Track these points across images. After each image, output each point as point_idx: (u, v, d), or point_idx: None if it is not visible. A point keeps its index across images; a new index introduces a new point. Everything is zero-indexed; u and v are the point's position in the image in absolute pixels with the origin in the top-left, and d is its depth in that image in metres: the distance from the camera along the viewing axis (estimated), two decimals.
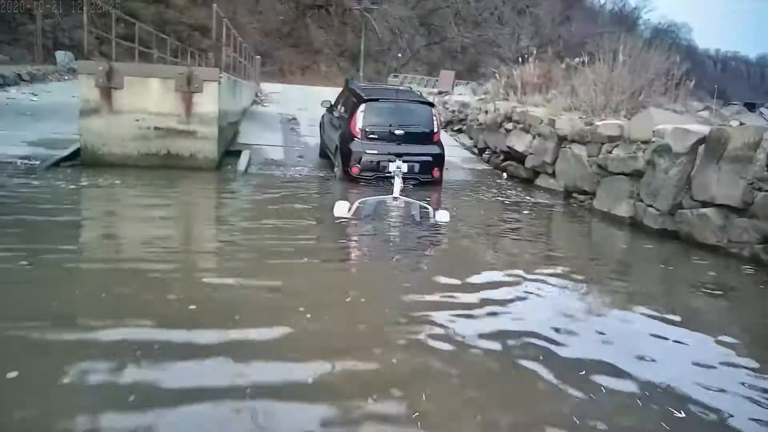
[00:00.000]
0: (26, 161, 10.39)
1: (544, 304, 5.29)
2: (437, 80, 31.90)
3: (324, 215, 8.13)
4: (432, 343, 4.23)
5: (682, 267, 7.05)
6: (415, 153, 11.04)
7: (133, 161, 11.18)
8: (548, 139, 11.50)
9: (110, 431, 3.03)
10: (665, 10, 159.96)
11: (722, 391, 3.89)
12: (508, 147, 13.01)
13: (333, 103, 13.03)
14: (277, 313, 4.56)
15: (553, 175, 11.43)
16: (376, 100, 11.34)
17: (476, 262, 6.65)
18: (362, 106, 11.08)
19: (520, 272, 6.12)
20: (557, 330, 4.64)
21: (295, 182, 10.86)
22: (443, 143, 11.69)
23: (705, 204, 7.39)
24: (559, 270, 6.43)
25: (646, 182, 8.40)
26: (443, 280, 5.73)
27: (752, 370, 4.25)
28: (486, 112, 15.15)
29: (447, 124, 18.23)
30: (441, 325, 4.54)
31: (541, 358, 4.14)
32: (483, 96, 18.17)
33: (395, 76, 44.67)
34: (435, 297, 5.21)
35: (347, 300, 4.98)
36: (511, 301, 5.28)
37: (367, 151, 10.87)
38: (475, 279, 5.84)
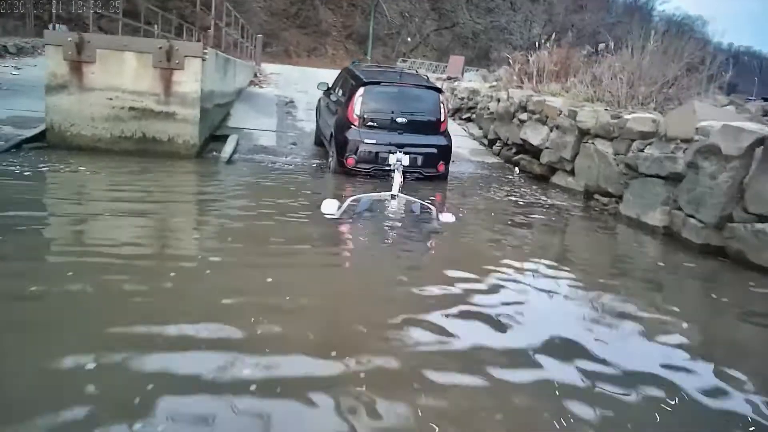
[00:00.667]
0: None
1: (568, 345, 4.03)
2: (446, 66, 30.52)
3: (310, 226, 6.84)
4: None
5: (734, 293, 5.77)
6: (418, 144, 9.78)
7: (105, 145, 9.98)
8: (568, 132, 10.20)
9: None
10: (680, 1, 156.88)
11: None
12: (522, 139, 11.71)
13: (330, 85, 11.73)
14: None
15: (571, 173, 10.15)
16: (377, 83, 10.04)
17: (483, 273, 5.39)
18: (361, 90, 9.80)
19: (536, 293, 4.89)
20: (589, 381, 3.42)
21: (283, 174, 9.61)
22: (450, 134, 10.39)
23: (762, 218, 6.10)
24: (582, 293, 5.20)
25: (687, 188, 7.11)
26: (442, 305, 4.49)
27: None
28: (498, 100, 13.83)
29: (455, 112, 16.92)
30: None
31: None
32: (494, 83, 16.83)
33: (404, 61, 43.21)
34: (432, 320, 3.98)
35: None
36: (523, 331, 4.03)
37: (365, 141, 9.61)
38: (482, 301, 4.61)
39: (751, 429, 3.22)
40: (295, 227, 6.49)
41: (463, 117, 16.50)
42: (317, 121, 12.25)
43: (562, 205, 9.09)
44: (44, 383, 3.02)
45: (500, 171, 11.96)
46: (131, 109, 9.99)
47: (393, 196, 8.27)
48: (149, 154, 9.93)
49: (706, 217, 6.71)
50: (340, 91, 10.81)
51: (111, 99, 9.91)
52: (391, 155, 9.45)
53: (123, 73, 9.89)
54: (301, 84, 18.91)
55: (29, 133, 9.92)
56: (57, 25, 23.96)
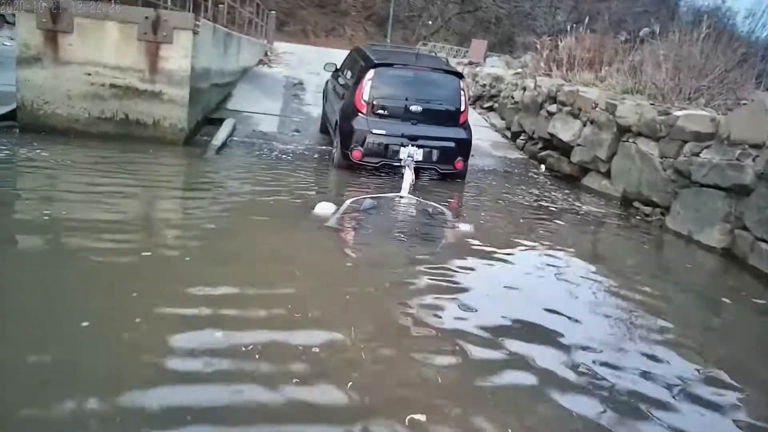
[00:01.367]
0: None
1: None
2: (467, 51, 29.10)
3: (294, 247, 5.63)
4: None
5: None
6: (434, 136, 8.53)
7: (82, 126, 8.80)
8: (604, 128, 8.89)
9: None
10: None
11: None
12: (550, 134, 10.40)
13: (339, 66, 10.46)
14: None
15: (607, 175, 8.85)
16: (389, 65, 8.75)
17: (504, 314, 4.16)
18: (370, 73, 8.52)
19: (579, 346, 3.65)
20: None
21: (279, 167, 8.37)
22: (471, 125, 9.11)
23: None
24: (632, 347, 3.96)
25: (758, 205, 5.81)
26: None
27: None
28: (524, 89, 12.49)
29: (476, 100, 15.60)
30: None
31: None
32: (519, 70, 15.48)
33: (424, 45, 41.69)
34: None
35: None
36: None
37: (374, 131, 8.36)
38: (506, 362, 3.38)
39: None
40: (277, 241, 5.28)
41: (485, 106, 15.17)
42: (323, 106, 10.99)
43: (598, 214, 7.81)
44: None
45: (524, 168, 10.66)
46: (112, 86, 8.79)
47: (401, 197, 7.08)
48: (131, 139, 8.74)
49: None
50: (348, 74, 9.54)
51: (90, 75, 8.71)
52: (402, 149, 8.26)
53: (104, 46, 8.68)
54: (314, 65, 17.50)
55: (1, 110, 8.78)
56: None
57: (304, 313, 3.81)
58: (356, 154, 8.38)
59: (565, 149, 10.01)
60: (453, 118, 8.74)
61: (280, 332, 3.55)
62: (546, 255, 5.77)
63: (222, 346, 3.30)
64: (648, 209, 7.74)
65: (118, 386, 2.83)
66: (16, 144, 7.67)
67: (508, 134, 12.81)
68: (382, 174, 8.35)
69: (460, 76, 9.03)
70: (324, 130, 10.69)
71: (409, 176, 7.61)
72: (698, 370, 3.73)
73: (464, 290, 4.55)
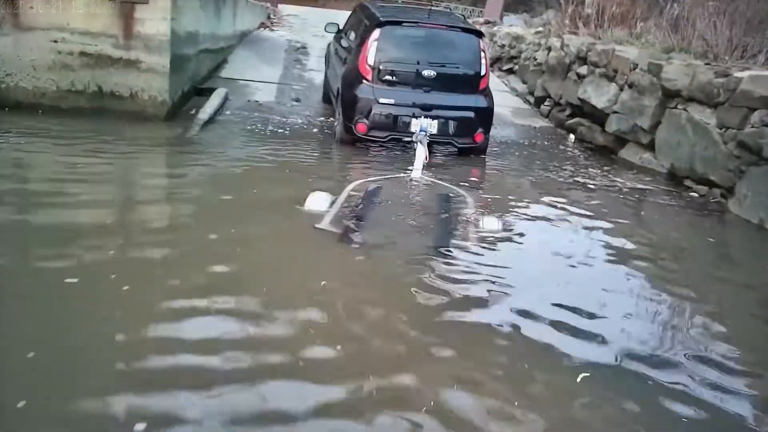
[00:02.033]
0: None
1: None
2: (482, 11, 27.55)
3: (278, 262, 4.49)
4: None
5: None
6: (450, 106, 7.35)
7: (50, 101, 7.65)
8: (646, 93, 7.64)
9: None
10: None
11: None
12: (581, 99, 9.14)
13: (341, 27, 9.20)
14: None
15: (650, 147, 7.62)
16: (398, 24, 7.49)
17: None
18: (375, 33, 7.28)
19: None
20: None
21: (272, 144, 7.19)
22: (492, 92, 7.88)
23: None
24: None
25: None
26: None
27: None
28: (548, 49, 11.17)
29: (494, 62, 14.24)
30: None
31: None
32: (541, 29, 14.08)
33: (435, 5, 39.95)
34: None
35: None
36: None
37: (380, 101, 7.17)
38: None
39: None
40: (252, 257, 4.15)
41: (504, 68, 13.84)
42: (325, 73, 9.75)
43: (645, 192, 6.61)
44: None
45: (552, 139, 9.42)
46: (82, 54, 7.60)
47: (414, 179, 5.94)
48: (107, 114, 7.59)
49: None
50: (352, 35, 8.29)
51: (56, 42, 7.53)
52: (414, 120, 7.07)
53: (70, 9, 7.47)
54: (320, 28, 15.90)
55: None
56: None
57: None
58: (361, 127, 7.20)
59: (598, 117, 8.75)
60: (472, 84, 7.50)
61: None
62: (596, 245, 4.66)
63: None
64: (703, 189, 6.54)
65: None
66: None
67: (531, 100, 11.52)
68: (392, 150, 7.17)
69: (479, 35, 7.75)
70: (327, 99, 9.47)
71: (422, 153, 6.43)
72: None
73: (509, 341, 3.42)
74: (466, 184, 6.08)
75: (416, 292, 3.66)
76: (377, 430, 2.47)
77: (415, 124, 7.12)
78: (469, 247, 4.41)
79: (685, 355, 3.28)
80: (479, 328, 3.35)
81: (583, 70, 9.33)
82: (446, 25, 7.68)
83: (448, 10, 10.20)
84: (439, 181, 5.91)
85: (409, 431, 2.47)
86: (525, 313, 3.52)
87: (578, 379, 2.95)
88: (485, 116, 7.55)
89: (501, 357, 3.12)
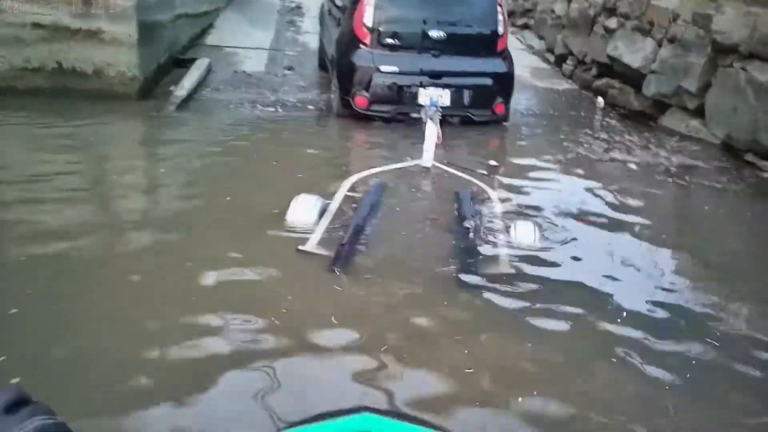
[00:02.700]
0: None
1: None
2: None
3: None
4: None
5: None
6: (464, 72, 6.26)
7: (3, 81, 6.56)
8: (693, 49, 6.45)
9: None
10: None
11: None
12: (610, 57, 7.93)
13: None
14: None
15: (698, 113, 6.46)
16: None
17: None
18: None
19: None
20: None
21: (260, 127, 6.13)
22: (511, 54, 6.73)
23: None
24: None
25: None
26: None
27: None
28: None
29: (507, 16, 12.92)
30: None
31: None
32: None
33: None
34: None
35: None
36: None
37: (382, 69, 6.07)
38: None
39: None
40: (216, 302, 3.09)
41: (518, 23, 12.49)
42: (320, 35, 8.56)
43: (698, 171, 5.48)
44: None
45: (578, 103, 8.24)
46: (36, 26, 6.49)
47: (426, 167, 4.87)
48: (69, 94, 6.53)
49: None
50: None
51: (3, 12, 6.43)
52: (422, 91, 5.97)
53: None
54: None
55: None
56: None
57: None
58: (360, 101, 6.11)
59: (631, 78, 7.56)
60: (488, 45, 6.37)
61: None
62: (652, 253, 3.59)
63: None
64: None
65: None
66: None
67: (551, 58, 10.27)
68: (398, 126, 6.05)
69: None
70: (323, 65, 8.29)
71: (433, 134, 5.30)
72: None
73: None
74: (484, 171, 4.97)
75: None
76: None
77: (424, 96, 6.02)
78: (500, 273, 3.33)
79: None
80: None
81: (612, 23, 8.09)
82: None
83: None
84: (456, 170, 4.81)
85: None
86: None
87: None
88: (505, 83, 6.42)
89: None
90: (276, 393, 2.28)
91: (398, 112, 6.11)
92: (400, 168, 4.89)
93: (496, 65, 6.34)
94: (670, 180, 5.16)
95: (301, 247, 3.40)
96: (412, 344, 2.68)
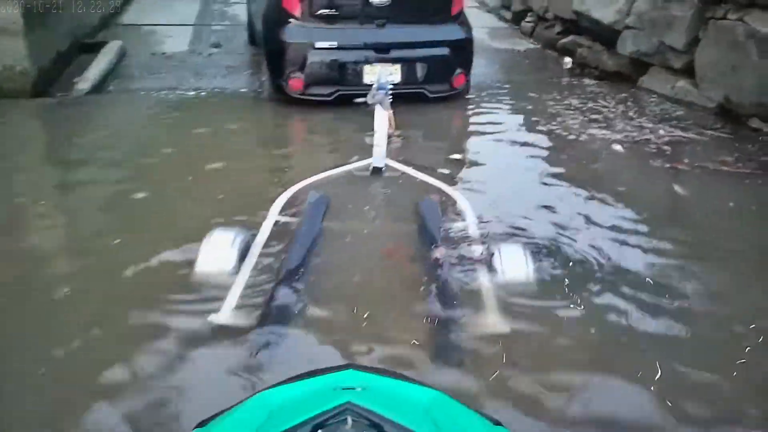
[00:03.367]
0: None
1: None
2: None
3: None
4: None
5: None
6: (416, 42, 5.23)
7: None
8: None
9: None
10: None
11: None
12: (576, 13, 6.94)
13: None
14: None
15: (687, 73, 5.54)
16: None
17: None
18: None
19: None
20: None
21: (175, 123, 5.05)
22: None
23: None
24: None
25: None
26: None
27: None
28: None
29: None
30: None
31: None
32: None
33: None
34: None
35: None
36: None
37: (317, 45, 5.00)
38: None
39: None
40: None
41: None
42: (248, 6, 7.36)
43: (699, 145, 4.56)
44: None
45: (543, 64, 7.30)
46: None
47: (376, 168, 3.88)
48: None
49: None
50: None
51: None
52: (367, 68, 4.96)
53: None
54: None
55: None
56: None
57: None
58: (295, 83, 5.05)
59: (603, 35, 6.59)
60: (442, 8, 5.33)
61: None
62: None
63: None
64: None
65: None
66: None
67: (508, 15, 9.24)
68: (342, 111, 5.01)
69: None
70: (253, 40, 7.13)
71: (383, 124, 4.28)
72: None
73: None
74: (447, 170, 3.98)
75: None
76: None
77: (370, 73, 4.98)
78: (492, 335, 2.36)
79: None
80: None
81: None
82: None
83: None
84: (414, 172, 3.81)
85: None
86: None
87: None
88: (464, 51, 5.41)
89: None
90: None
91: (341, 93, 5.06)
92: (346, 172, 3.88)
93: (453, 31, 5.31)
94: (667, 166, 4.19)
95: (213, 319, 2.38)
96: None
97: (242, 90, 5.91)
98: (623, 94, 5.90)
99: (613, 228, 3.21)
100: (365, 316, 2.44)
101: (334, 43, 5.00)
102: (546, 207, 3.44)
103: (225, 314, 2.42)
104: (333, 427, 0.82)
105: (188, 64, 6.68)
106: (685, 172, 4.07)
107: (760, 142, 4.53)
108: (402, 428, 0.83)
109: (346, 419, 0.82)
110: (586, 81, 6.53)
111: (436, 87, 5.27)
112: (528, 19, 8.48)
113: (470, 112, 5.37)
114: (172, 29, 7.91)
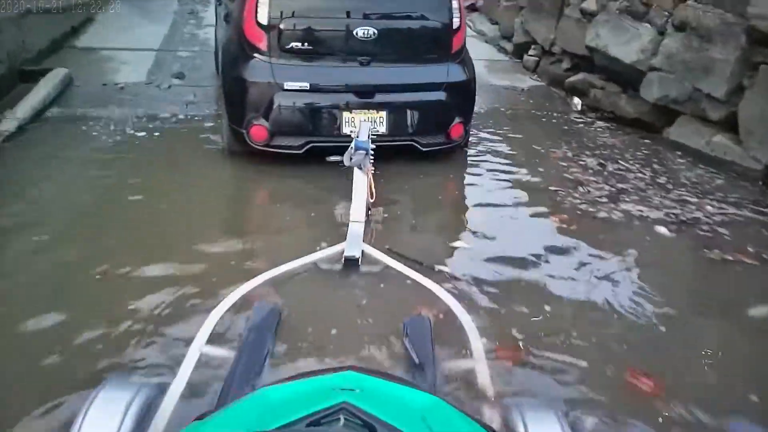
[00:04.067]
0: None
1: None
2: None
3: None
4: None
5: None
6: (406, 85, 4.25)
7: None
8: (716, 39, 4.58)
9: None
10: None
11: None
12: (590, 48, 6.00)
13: None
14: None
15: (727, 126, 4.61)
16: None
17: None
18: None
19: None
20: None
21: (107, 182, 4.01)
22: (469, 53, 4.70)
23: None
24: None
25: None
26: None
27: None
28: None
29: None
30: None
31: None
32: None
33: None
34: None
35: None
36: None
37: (286, 86, 4.00)
38: None
39: None
40: None
41: (464, 3, 10.51)
42: (215, 31, 6.37)
43: (759, 223, 3.60)
44: None
45: (549, 106, 6.35)
46: None
47: (349, 260, 2.83)
48: None
49: None
50: None
51: None
52: (345, 116, 3.98)
53: None
54: None
55: None
56: None
57: None
58: (257, 132, 4.06)
59: (622, 75, 5.67)
60: (439, 44, 4.34)
61: None
62: None
63: None
64: None
65: None
66: None
67: (508, 47, 8.30)
68: (314, 169, 4.03)
69: None
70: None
71: (362, 191, 3.29)
72: None
73: None
74: (445, 268, 2.98)
75: None
76: None
77: (349, 122, 4.01)
78: None
79: None
80: None
81: (590, 3, 6.17)
82: None
83: None
84: (401, 267, 2.79)
85: None
86: None
87: None
88: (465, 95, 4.44)
89: None
90: None
91: (313, 145, 4.08)
92: (308, 264, 2.87)
93: (452, 72, 4.32)
94: (730, 260, 3.20)
95: None
96: None
97: (197, 131, 4.89)
98: (647, 150, 4.94)
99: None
100: None
101: (307, 84, 4.01)
102: (589, 332, 2.45)
103: None
104: (326, 425, 0.83)
105: (142, 98, 5.67)
106: (753, 267, 3.10)
107: None
108: (394, 430, 0.83)
109: (339, 418, 0.83)
110: (600, 129, 5.59)
111: (430, 139, 4.29)
112: (531, 52, 7.54)
113: (470, 174, 4.41)
114: (132, 55, 6.90)
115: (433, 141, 4.31)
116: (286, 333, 2.35)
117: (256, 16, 3.98)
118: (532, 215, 3.67)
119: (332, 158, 3.88)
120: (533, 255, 3.13)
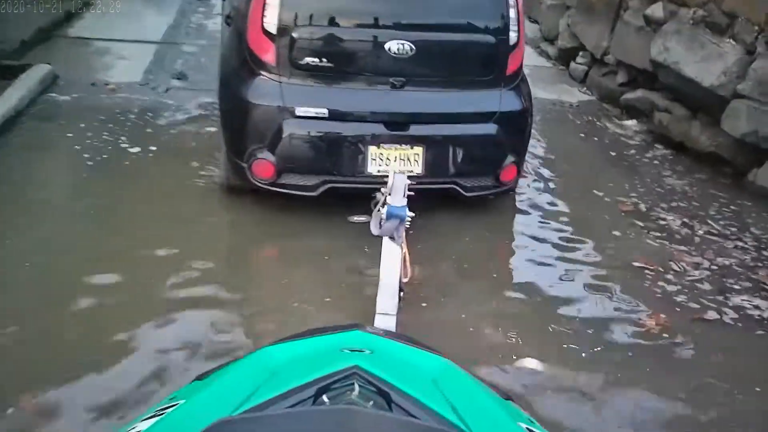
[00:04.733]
0: None
1: None
2: None
3: None
4: None
5: None
6: (448, 115, 3.33)
7: None
8: None
9: None
10: None
11: None
12: (655, 63, 5.06)
13: None
14: None
15: None
16: None
17: None
18: None
19: None
20: None
21: (77, 220, 3.16)
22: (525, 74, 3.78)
23: None
24: None
25: None
26: None
27: None
28: None
29: None
30: None
31: None
32: None
33: None
34: None
35: None
36: None
37: (298, 112, 3.11)
38: None
39: None
40: None
41: None
42: (222, 31, 5.48)
43: None
44: None
45: (603, 129, 5.42)
46: None
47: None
48: None
49: None
50: None
51: None
52: (371, 150, 3.07)
53: None
54: None
55: None
56: None
57: None
58: (262, 168, 3.19)
59: (697, 99, 4.73)
60: (491, 64, 3.41)
61: None
62: None
63: None
64: None
65: None
66: None
67: (551, 51, 7.34)
68: (332, 219, 3.17)
69: None
70: None
71: (394, 268, 2.41)
72: None
73: None
74: (505, 371, 2.13)
75: None
76: None
77: (376, 160, 3.13)
78: None
79: None
80: None
81: (656, 9, 5.22)
82: None
83: None
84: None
85: None
86: None
87: None
88: (520, 129, 3.55)
89: None
90: None
91: (331, 186, 3.21)
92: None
93: (506, 99, 3.42)
94: None
95: None
96: None
97: (191, 156, 4.02)
98: (731, 200, 4.03)
99: None
100: None
101: (324, 111, 3.13)
102: None
103: None
104: (339, 391, 0.78)
105: (133, 104, 4.81)
106: None
107: None
108: (409, 398, 0.79)
109: (352, 385, 0.78)
110: (664, 162, 4.67)
111: (475, 182, 3.41)
112: (579, 60, 6.58)
113: (523, 231, 3.51)
114: (130, 47, 6.03)
115: (480, 185, 3.42)
116: None
117: (262, 22, 3.10)
118: (618, 319, 2.73)
119: (356, 218, 3.01)
120: (618, 368, 2.25)
